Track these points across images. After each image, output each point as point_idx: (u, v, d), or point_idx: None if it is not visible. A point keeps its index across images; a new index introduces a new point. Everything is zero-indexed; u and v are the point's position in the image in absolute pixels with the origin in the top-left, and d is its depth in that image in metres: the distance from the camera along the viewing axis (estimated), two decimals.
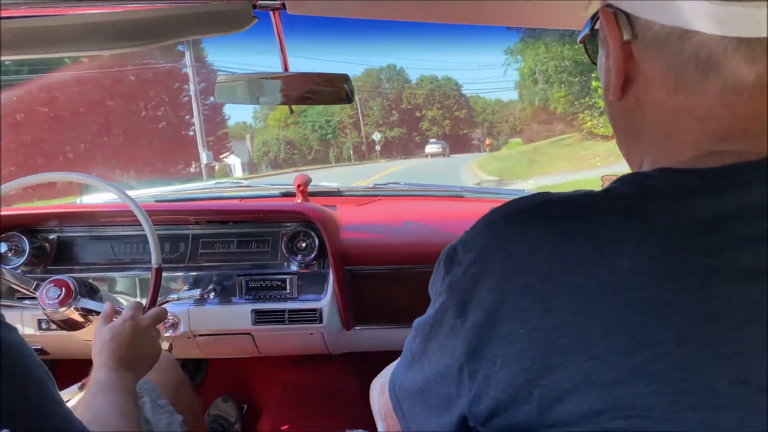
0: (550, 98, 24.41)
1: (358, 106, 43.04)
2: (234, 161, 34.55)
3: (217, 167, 30.24)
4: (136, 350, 1.04)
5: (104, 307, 1.17)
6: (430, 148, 37.56)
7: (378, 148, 42.61)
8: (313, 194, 1.96)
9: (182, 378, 1.38)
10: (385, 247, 1.60)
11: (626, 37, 0.52)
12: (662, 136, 0.53)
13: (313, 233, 1.54)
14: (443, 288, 0.53)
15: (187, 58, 24.46)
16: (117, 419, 0.86)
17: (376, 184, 2.19)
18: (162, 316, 1.16)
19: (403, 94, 46.44)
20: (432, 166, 26.31)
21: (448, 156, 36.17)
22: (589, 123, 19.43)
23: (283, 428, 2.00)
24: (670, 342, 0.41)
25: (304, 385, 2.15)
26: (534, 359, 0.44)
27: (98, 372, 0.98)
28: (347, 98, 1.48)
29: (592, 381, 0.42)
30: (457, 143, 42.53)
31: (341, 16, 1.02)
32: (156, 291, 1.23)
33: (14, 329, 0.60)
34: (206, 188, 2.11)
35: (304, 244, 1.54)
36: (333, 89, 1.45)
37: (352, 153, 44.50)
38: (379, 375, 1.22)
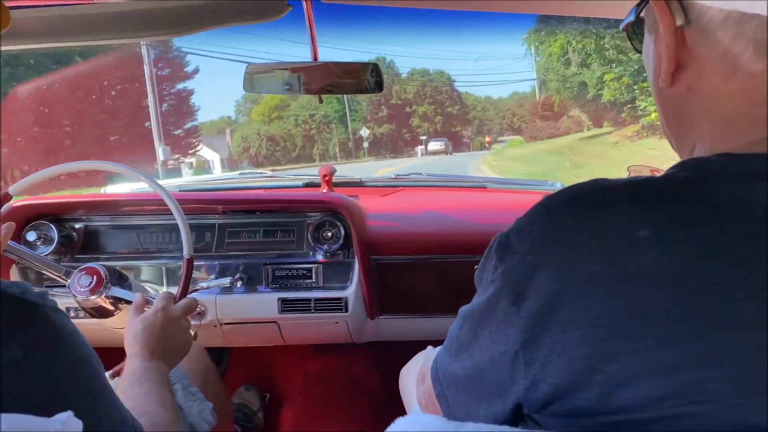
0: (589, 83, 21.80)
1: (345, 100, 41.46)
2: (213, 157, 33.20)
3: (194, 163, 28.28)
4: (168, 341, 1.05)
5: (135, 298, 1.18)
6: (432, 146, 36.63)
7: (366, 145, 40.93)
8: (337, 184, 1.96)
9: (210, 366, 1.40)
10: (409, 237, 1.60)
11: (679, 22, 0.52)
12: (717, 123, 0.52)
13: (338, 223, 1.55)
14: (496, 276, 0.52)
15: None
16: (155, 408, 0.87)
17: (398, 175, 2.18)
18: (193, 307, 1.17)
19: (392, 89, 44.97)
20: (434, 168, 25.03)
21: (450, 154, 35.37)
22: (654, 114, 16.04)
23: (305, 417, 2.01)
24: (738, 327, 0.41)
25: (326, 375, 2.16)
26: (597, 345, 0.44)
27: (132, 362, 0.99)
28: (377, 87, 1.47)
29: (657, 367, 0.42)
30: (452, 141, 41.27)
31: (375, 4, 1.01)
32: (187, 282, 1.24)
33: (66, 314, 0.61)
34: (230, 178, 2.12)
35: (329, 234, 1.54)
36: (359, 79, 1.45)
37: (338, 150, 42.55)
38: (410, 363, 1.22)
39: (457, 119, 45.80)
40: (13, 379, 0.53)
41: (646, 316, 0.42)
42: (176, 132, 27.81)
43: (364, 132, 41.17)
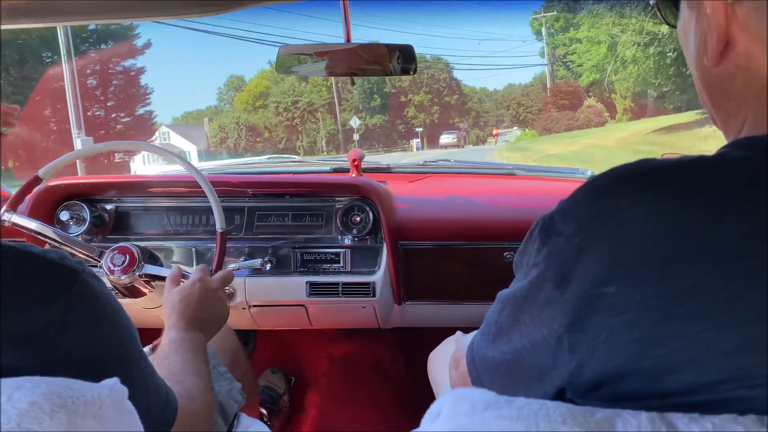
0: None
1: (334, 88, 37.88)
2: (189, 148, 31.39)
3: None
4: (205, 311, 1.06)
5: (170, 271, 1.19)
6: (444, 139, 35.45)
7: (356, 137, 37.21)
8: (365, 170, 1.96)
9: (239, 347, 1.41)
10: (437, 223, 1.59)
11: None
12: None
13: (367, 207, 1.54)
14: (539, 259, 0.51)
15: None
16: (190, 377, 0.89)
17: (426, 161, 2.17)
18: (229, 278, 1.18)
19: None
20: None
21: (463, 147, 34.20)
22: None
23: (331, 401, 2.02)
24: None
25: (351, 359, 2.17)
26: (648, 329, 0.43)
27: (170, 332, 1.00)
28: (403, 72, 1.46)
29: (711, 350, 0.41)
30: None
31: None
32: (222, 255, 1.25)
33: (103, 282, 0.62)
34: (258, 162, 2.13)
35: (358, 218, 1.54)
36: (383, 64, 1.44)
37: (324, 144, 38.81)
38: (439, 348, 1.22)
39: (455, 110, 43.06)
40: (53, 342, 0.54)
41: (700, 298, 0.41)
42: (125, 119, 24.09)
43: (355, 122, 37.01)
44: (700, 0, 0.52)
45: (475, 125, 43.71)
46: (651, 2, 0.63)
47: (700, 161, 0.47)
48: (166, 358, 0.93)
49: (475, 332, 0.67)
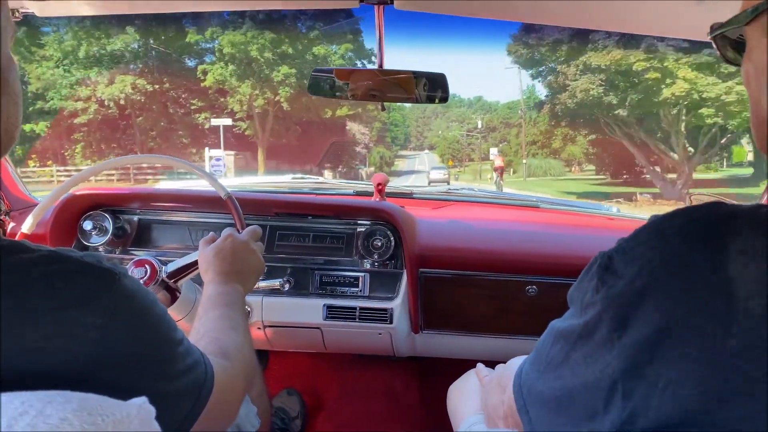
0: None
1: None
2: None
3: None
4: (240, 263, 1.10)
5: (203, 239, 1.21)
6: (434, 174, 32.99)
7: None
8: (389, 194, 1.95)
9: (257, 365, 1.39)
10: (459, 252, 1.57)
11: None
12: None
13: (389, 232, 1.53)
14: (598, 299, 0.49)
15: None
16: (227, 332, 0.91)
17: (449, 189, 2.16)
18: (257, 233, 1.21)
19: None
20: None
21: (449, 183, 30.38)
22: None
23: (343, 427, 1.99)
24: None
25: (363, 386, 2.13)
26: (713, 385, 0.41)
27: (207, 288, 1.04)
28: (428, 100, 1.46)
29: None
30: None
31: (447, 13, 1.01)
32: (239, 215, 1.30)
33: (137, 280, 0.65)
34: (282, 182, 2.14)
35: (379, 243, 1.53)
36: (410, 91, 1.44)
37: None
38: (459, 381, 1.19)
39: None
40: (95, 343, 0.55)
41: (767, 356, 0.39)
42: None
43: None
44: None
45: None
46: (709, 37, 0.59)
47: None
48: (204, 314, 0.96)
49: (524, 358, 0.65)
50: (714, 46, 0.60)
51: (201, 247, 1.16)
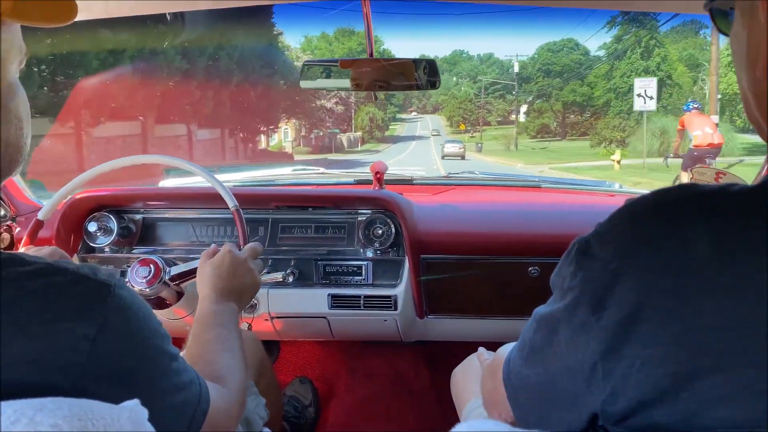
0: None
1: None
2: None
3: None
4: (236, 279, 1.10)
5: (203, 252, 1.22)
6: (449, 148, 31.23)
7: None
8: (387, 182, 1.96)
9: (265, 357, 1.42)
10: (460, 237, 1.58)
11: None
12: None
13: (389, 220, 1.54)
14: (575, 283, 0.50)
15: None
16: (222, 355, 0.91)
17: (450, 173, 2.16)
18: (257, 251, 1.21)
19: None
20: None
21: (464, 158, 29.43)
22: None
23: (353, 414, 2.01)
24: None
25: (372, 372, 2.16)
26: (682, 363, 0.42)
27: (203, 305, 1.04)
28: (428, 84, 1.46)
29: (750, 388, 0.39)
30: None
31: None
32: (243, 229, 1.29)
33: (134, 291, 0.65)
34: (283, 174, 2.15)
35: (380, 231, 1.54)
36: (410, 76, 1.44)
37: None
38: (462, 365, 1.21)
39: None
40: (87, 354, 0.56)
41: (739, 335, 0.40)
42: None
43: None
44: (754, 1, 0.50)
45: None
46: (704, 7, 0.60)
47: (745, 190, 0.45)
48: (199, 334, 0.96)
49: (513, 345, 0.67)
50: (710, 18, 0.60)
51: (202, 259, 1.16)
